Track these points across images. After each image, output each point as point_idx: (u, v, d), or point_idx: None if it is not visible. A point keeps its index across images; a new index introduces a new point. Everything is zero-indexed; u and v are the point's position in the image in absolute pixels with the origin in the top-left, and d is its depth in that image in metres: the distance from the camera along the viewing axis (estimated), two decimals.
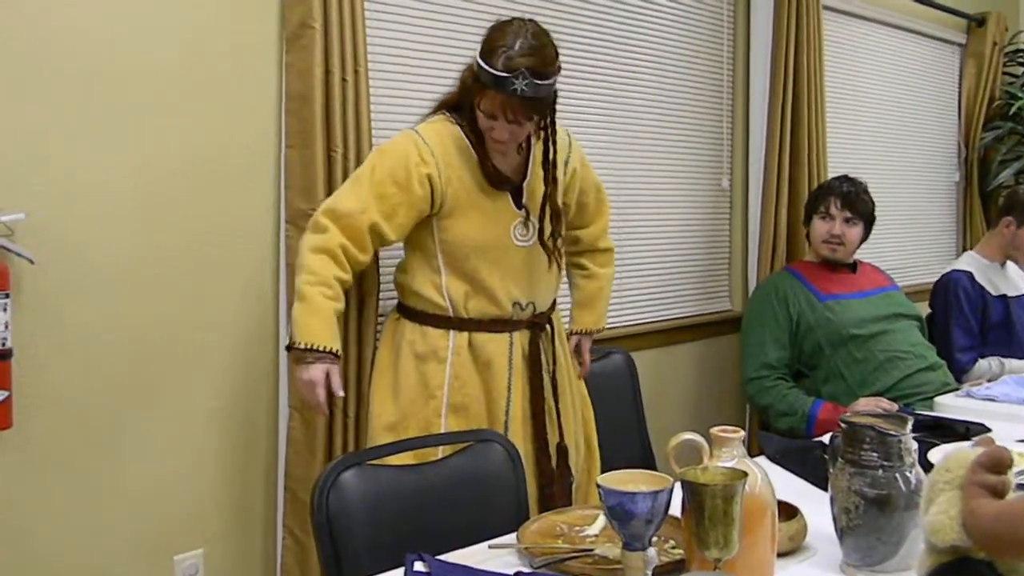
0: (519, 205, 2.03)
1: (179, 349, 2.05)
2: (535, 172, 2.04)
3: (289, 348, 1.93)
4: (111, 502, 1.96)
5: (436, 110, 2.05)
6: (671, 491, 1.15)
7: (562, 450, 2.11)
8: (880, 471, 1.27)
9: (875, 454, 1.28)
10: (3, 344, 1.75)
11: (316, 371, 1.87)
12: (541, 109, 1.91)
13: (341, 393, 1.92)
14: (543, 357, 2.09)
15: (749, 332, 2.85)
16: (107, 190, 1.93)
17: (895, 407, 2.48)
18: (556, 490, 2.07)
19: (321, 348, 1.86)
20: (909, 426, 1.30)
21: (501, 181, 2.00)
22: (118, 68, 1.93)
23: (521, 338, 2.06)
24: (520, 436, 2.03)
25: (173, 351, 2.04)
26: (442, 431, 1.98)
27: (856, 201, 2.82)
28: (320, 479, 1.53)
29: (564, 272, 2.22)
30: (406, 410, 2.00)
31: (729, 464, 1.20)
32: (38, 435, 1.86)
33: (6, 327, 1.75)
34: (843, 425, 1.31)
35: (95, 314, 1.92)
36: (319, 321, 1.86)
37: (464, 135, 1.98)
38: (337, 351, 1.89)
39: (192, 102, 2.03)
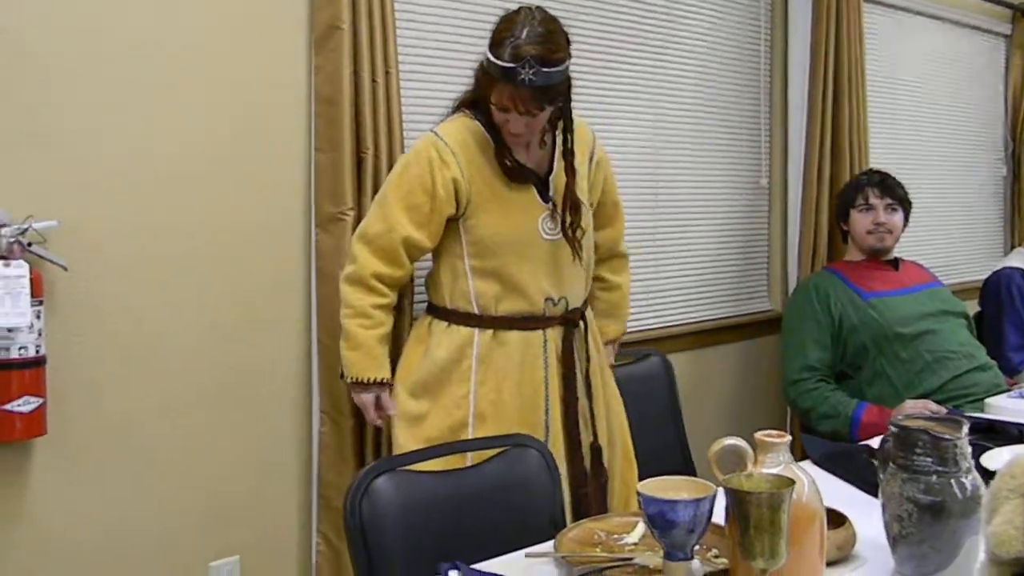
0: (545, 198, 2.00)
1: (211, 354, 2.04)
2: (560, 164, 2.02)
3: (342, 377, 2.01)
4: (146, 509, 1.96)
5: (455, 109, 2.04)
6: (714, 499, 1.10)
7: (596, 449, 2.07)
8: (934, 477, 1.21)
9: (929, 459, 1.22)
10: (37, 351, 1.75)
11: (366, 397, 1.98)
12: (552, 97, 1.88)
13: (393, 412, 2.00)
14: (576, 355, 2.05)
15: (789, 334, 2.78)
16: (138, 196, 1.92)
17: (943, 410, 2.41)
18: (590, 491, 2.04)
19: (366, 380, 1.95)
20: (965, 430, 1.23)
21: (523, 175, 1.98)
22: (147, 73, 1.92)
23: (554, 335, 2.02)
24: (559, 437, 2.00)
25: (205, 356, 2.03)
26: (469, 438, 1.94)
27: (894, 187, 2.81)
28: (353, 485, 1.50)
29: (592, 267, 2.17)
30: (429, 419, 1.98)
31: (775, 470, 1.14)
32: (72, 441, 1.86)
33: (40, 334, 1.75)
34: (894, 429, 1.25)
35: (127, 320, 1.92)
36: (360, 355, 1.95)
37: (484, 130, 1.97)
38: (382, 379, 1.96)
39: (222, 106, 2.02)
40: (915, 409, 2.44)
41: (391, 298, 1.98)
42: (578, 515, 1.97)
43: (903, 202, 2.82)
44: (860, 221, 2.81)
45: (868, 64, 3.39)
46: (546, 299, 2.00)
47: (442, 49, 2.36)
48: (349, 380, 1.97)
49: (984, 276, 3.18)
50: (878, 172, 2.88)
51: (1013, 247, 4.31)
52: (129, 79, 1.90)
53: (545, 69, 1.81)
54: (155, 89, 1.93)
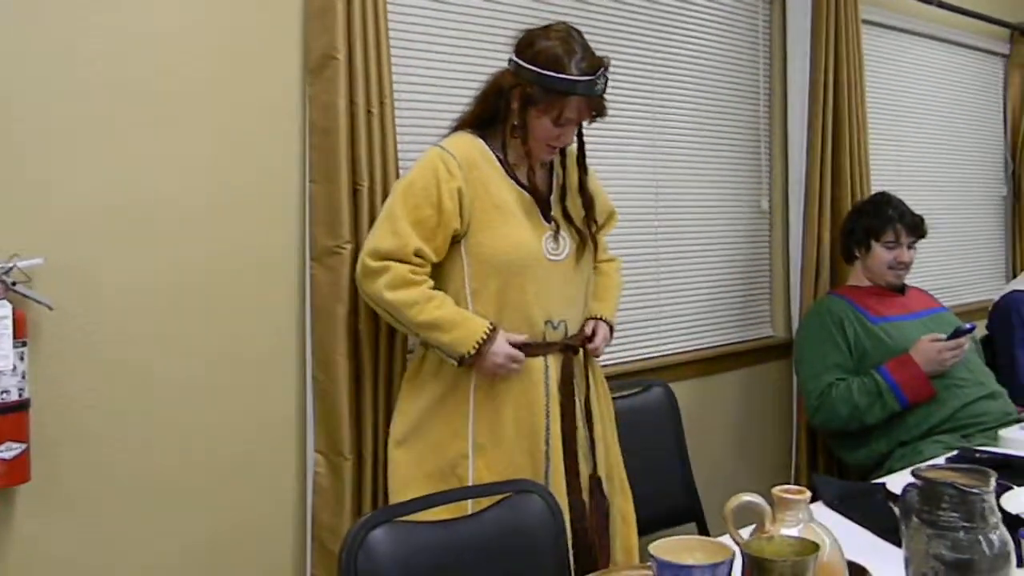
0: (547, 218, 1.99)
1: (203, 393, 1.97)
2: (558, 184, 2.04)
3: (461, 362, 1.90)
4: (135, 554, 1.89)
5: (456, 129, 2.02)
6: (731, 563, 1.04)
7: (596, 481, 2.01)
8: (961, 533, 1.16)
9: (955, 514, 1.16)
10: (20, 394, 1.68)
11: (498, 348, 1.88)
12: None
13: (522, 338, 1.93)
14: (576, 382, 2.00)
15: (808, 362, 2.70)
16: (126, 232, 1.86)
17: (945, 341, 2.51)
18: (589, 524, 1.98)
19: (482, 338, 1.87)
20: (992, 483, 1.18)
21: (541, 194, 1.99)
22: (134, 106, 1.87)
23: (555, 362, 1.98)
24: (559, 467, 1.94)
25: (196, 395, 1.96)
26: (469, 472, 1.89)
27: (920, 227, 2.77)
28: (348, 537, 1.44)
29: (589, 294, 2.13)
30: (424, 454, 1.93)
31: (795, 531, 1.09)
32: (58, 488, 1.79)
33: (23, 376, 1.69)
34: (918, 481, 1.20)
35: (116, 360, 1.85)
36: (460, 329, 1.88)
37: (489, 149, 1.96)
38: (490, 326, 1.89)
39: (213, 138, 1.97)
40: (928, 344, 2.53)
41: (431, 282, 1.93)
42: (578, 548, 1.93)
43: (921, 237, 2.79)
44: (883, 256, 2.75)
45: (868, 85, 3.35)
46: (546, 321, 1.96)
47: (436, 78, 2.32)
48: (470, 354, 1.87)
49: (986, 297, 3.14)
50: (909, 210, 2.79)
51: (1015, 267, 4.27)
52: (116, 113, 1.84)
53: (608, 75, 1.89)
54: (143, 122, 1.88)
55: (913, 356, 2.54)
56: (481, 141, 1.97)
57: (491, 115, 1.97)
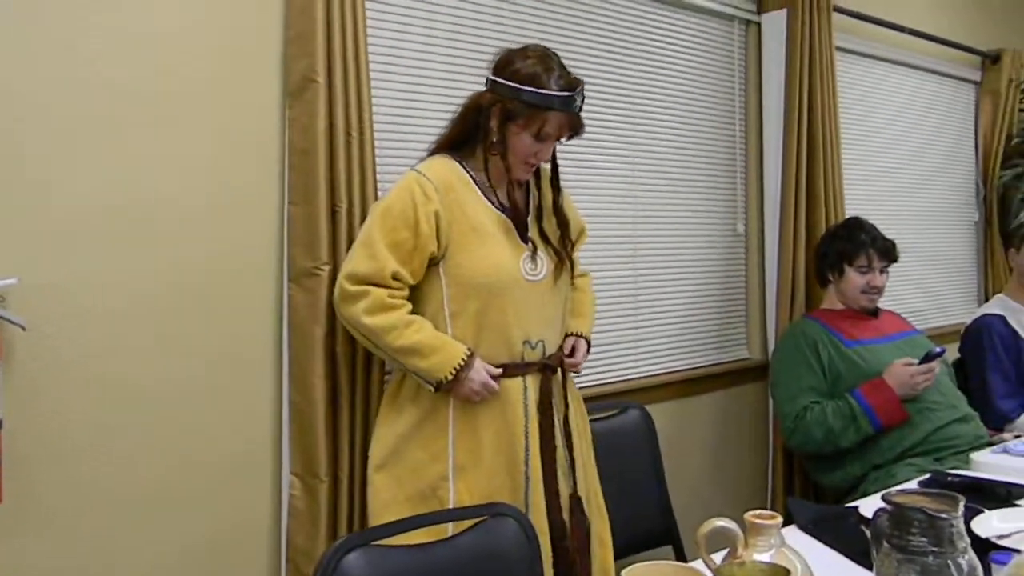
0: (524, 239, 2.00)
1: (179, 414, 1.96)
2: (534, 204, 2.06)
3: (438, 387, 1.91)
4: (111, 573, 1.87)
5: (433, 152, 2.04)
6: None
7: (576, 501, 2.02)
8: (931, 558, 1.17)
9: (924, 539, 1.18)
10: None
11: (474, 375, 1.89)
12: None
13: (498, 371, 1.94)
14: (554, 403, 2.00)
15: (783, 385, 2.72)
16: (103, 251, 1.86)
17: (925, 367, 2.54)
18: (570, 543, 1.98)
19: (459, 364, 1.88)
20: (961, 508, 1.20)
21: (519, 214, 2.00)
22: (113, 124, 1.87)
23: (533, 382, 1.98)
24: (539, 487, 1.95)
25: (172, 416, 1.95)
26: (450, 495, 1.89)
27: (892, 251, 2.80)
28: (323, 561, 1.43)
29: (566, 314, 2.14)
30: (403, 477, 1.93)
31: (767, 556, 1.10)
32: (32, 508, 1.77)
33: None
34: (888, 506, 1.21)
35: (92, 379, 1.84)
36: (439, 354, 1.88)
37: (466, 171, 1.98)
38: (468, 352, 1.90)
39: (192, 158, 1.97)
40: (900, 368, 2.55)
41: (410, 306, 1.94)
42: (559, 568, 1.93)
43: (893, 261, 2.82)
44: (856, 280, 2.78)
45: (841, 112, 3.41)
46: (524, 342, 1.97)
47: (416, 102, 2.33)
48: (448, 378, 1.87)
49: (959, 321, 3.18)
50: (881, 235, 2.82)
51: (987, 291, 4.33)
52: (94, 131, 1.84)
53: (585, 93, 1.95)
54: (121, 140, 1.87)
55: (886, 379, 2.57)
56: (458, 164, 1.99)
57: (468, 136, 1.99)
